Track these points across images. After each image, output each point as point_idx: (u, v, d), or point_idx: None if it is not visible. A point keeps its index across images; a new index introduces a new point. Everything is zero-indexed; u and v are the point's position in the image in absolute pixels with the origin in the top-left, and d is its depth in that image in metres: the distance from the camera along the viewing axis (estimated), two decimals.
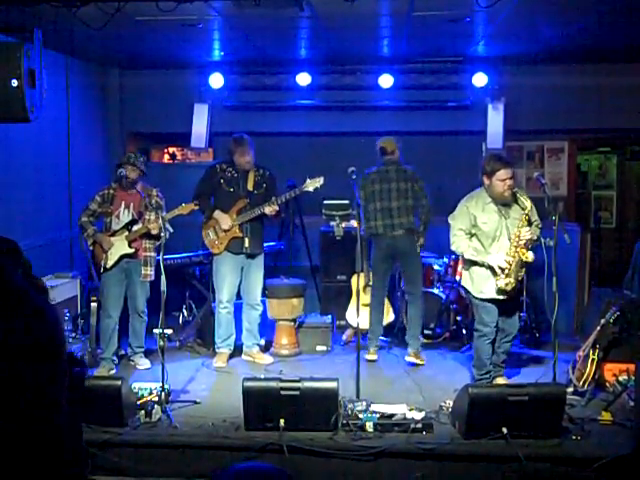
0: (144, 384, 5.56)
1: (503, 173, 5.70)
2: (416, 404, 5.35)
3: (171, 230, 6.19)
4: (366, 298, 6.94)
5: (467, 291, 6.05)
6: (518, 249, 5.65)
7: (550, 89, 8.48)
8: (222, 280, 6.72)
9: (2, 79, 5.02)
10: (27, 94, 5.07)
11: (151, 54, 8.11)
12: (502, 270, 5.64)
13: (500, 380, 5.97)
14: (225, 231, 6.65)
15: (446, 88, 8.63)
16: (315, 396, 5.00)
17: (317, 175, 6.58)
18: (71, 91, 8.00)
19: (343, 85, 8.72)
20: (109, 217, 6.51)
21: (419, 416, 5.08)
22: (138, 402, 5.29)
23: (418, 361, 6.69)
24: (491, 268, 5.72)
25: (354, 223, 6.93)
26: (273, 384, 5.05)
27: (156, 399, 5.32)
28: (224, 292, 6.71)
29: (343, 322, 7.65)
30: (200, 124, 8.69)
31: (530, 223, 5.73)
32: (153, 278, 6.51)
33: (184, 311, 7.92)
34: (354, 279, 7.14)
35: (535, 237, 5.73)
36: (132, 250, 6.43)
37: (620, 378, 5.68)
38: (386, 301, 7.20)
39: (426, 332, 7.40)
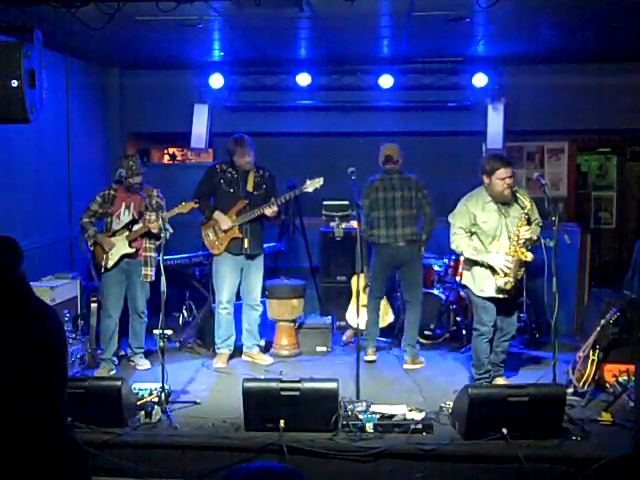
0: (144, 385, 5.56)
1: (503, 172, 5.70)
2: (416, 405, 5.35)
3: (171, 230, 6.19)
4: (366, 299, 6.93)
5: (467, 289, 6.05)
6: (517, 248, 5.65)
7: (550, 89, 8.47)
8: (222, 281, 6.72)
9: (2, 79, 5.01)
10: (27, 94, 5.06)
11: (151, 54, 8.11)
12: (503, 271, 5.65)
13: (500, 380, 5.97)
14: (225, 232, 6.64)
15: (446, 88, 8.62)
16: (315, 397, 5.00)
17: (317, 176, 6.58)
18: (71, 91, 8.00)
19: (343, 85, 8.71)
20: (109, 217, 6.51)
21: (419, 417, 5.08)
22: (138, 403, 5.29)
23: (416, 366, 6.69)
24: (491, 267, 5.72)
25: (354, 224, 6.94)
26: (273, 385, 5.05)
27: (156, 400, 5.33)
28: (224, 293, 6.70)
29: (343, 323, 7.65)
30: (200, 124, 8.69)
31: (530, 222, 5.73)
32: (154, 278, 6.50)
33: (184, 312, 7.92)
34: (354, 280, 7.14)
35: (535, 237, 5.73)
36: (133, 250, 6.43)
37: (620, 379, 5.68)
38: (385, 302, 7.21)
39: (426, 333, 7.41)
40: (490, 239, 5.80)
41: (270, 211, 6.57)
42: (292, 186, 7.06)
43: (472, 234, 5.85)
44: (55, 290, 6.61)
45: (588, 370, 5.64)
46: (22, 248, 2.88)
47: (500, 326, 5.92)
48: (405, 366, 6.70)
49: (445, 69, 8.52)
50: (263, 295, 7.03)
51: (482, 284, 5.83)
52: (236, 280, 6.76)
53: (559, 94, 8.49)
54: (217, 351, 6.81)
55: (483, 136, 8.44)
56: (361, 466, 4.71)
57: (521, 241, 5.63)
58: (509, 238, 5.72)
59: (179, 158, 10.29)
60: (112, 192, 6.56)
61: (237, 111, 9.01)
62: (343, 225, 7.45)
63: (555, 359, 5.50)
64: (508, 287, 5.69)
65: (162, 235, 5.73)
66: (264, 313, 7.01)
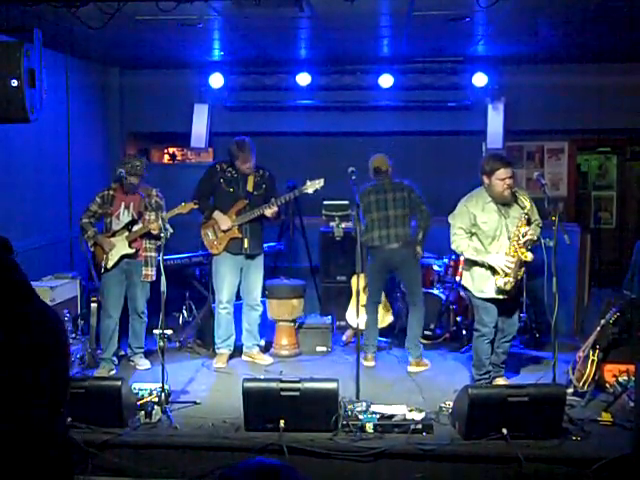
0: (144, 385, 5.56)
1: (502, 172, 5.70)
2: (416, 405, 5.35)
3: (171, 230, 6.18)
4: (365, 300, 6.92)
5: (467, 290, 6.05)
6: (518, 248, 5.65)
7: (550, 89, 8.47)
8: (221, 281, 6.71)
9: (2, 79, 5.00)
10: (27, 94, 5.06)
11: (151, 54, 8.11)
12: (504, 271, 5.65)
13: (500, 381, 5.96)
14: (224, 231, 6.64)
15: (446, 88, 8.62)
16: (315, 397, 5.00)
17: (317, 177, 6.58)
18: (71, 91, 8.00)
19: (343, 85, 8.71)
20: (109, 218, 6.51)
21: (419, 417, 5.08)
22: (138, 403, 5.29)
23: (421, 369, 6.64)
24: (491, 268, 5.72)
25: (353, 224, 6.93)
26: (273, 385, 5.05)
27: (156, 400, 5.33)
28: (224, 293, 6.70)
29: (343, 323, 7.64)
30: (200, 124, 8.69)
31: (530, 222, 5.73)
32: (154, 278, 6.50)
33: (184, 312, 7.91)
34: (354, 280, 7.13)
35: (535, 238, 5.72)
36: (133, 250, 6.43)
37: (620, 379, 5.67)
38: (384, 302, 7.20)
39: (426, 333, 7.39)
40: (490, 239, 5.79)
41: (270, 211, 6.57)
42: (292, 186, 7.06)
43: (472, 235, 5.85)
44: (55, 290, 6.61)
45: (588, 370, 5.64)
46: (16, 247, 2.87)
47: (501, 327, 5.91)
48: (409, 368, 6.64)
49: (445, 69, 8.52)
50: (263, 295, 7.03)
51: (482, 285, 5.83)
52: (236, 280, 6.76)
53: (559, 94, 8.49)
54: (217, 351, 6.81)
55: (483, 136, 8.45)
56: (361, 466, 4.71)
57: (521, 241, 5.63)
58: (509, 238, 5.72)
59: (179, 158, 10.29)
60: (111, 192, 6.55)
61: (237, 111, 9.01)
62: (343, 225, 7.44)
63: (555, 359, 5.50)
64: (508, 287, 5.69)
65: (162, 235, 5.73)
66: (264, 313, 7.01)
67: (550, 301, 5.51)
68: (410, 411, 5.16)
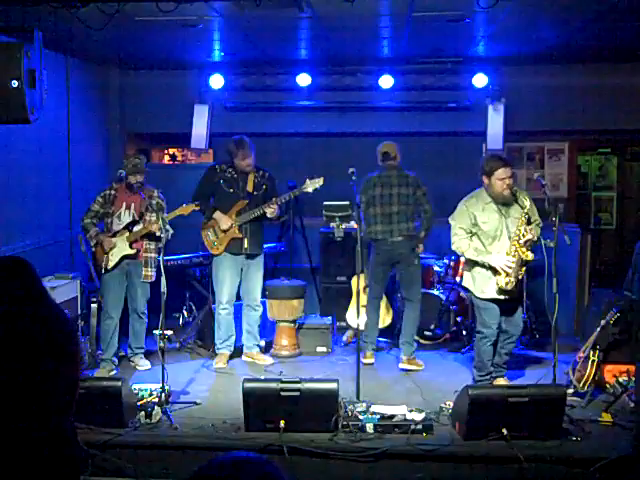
0: (144, 385, 5.57)
1: (502, 172, 5.71)
2: (416, 405, 5.35)
3: (171, 231, 6.18)
4: (366, 299, 6.92)
5: (469, 292, 6.05)
6: (518, 248, 5.65)
7: (550, 90, 8.47)
8: (222, 281, 6.71)
9: (2, 80, 5.01)
10: (27, 95, 5.06)
11: (151, 54, 8.11)
12: (505, 271, 5.65)
13: (501, 381, 5.96)
14: (224, 231, 6.64)
15: (446, 89, 8.62)
16: (315, 397, 5.00)
17: (317, 176, 6.58)
18: (71, 91, 7.99)
19: (343, 86, 8.71)
20: (110, 218, 6.51)
21: (419, 417, 5.07)
22: (138, 403, 5.29)
23: (412, 367, 6.63)
24: (492, 268, 5.72)
25: (354, 224, 6.93)
26: (273, 385, 5.05)
27: (156, 400, 5.33)
28: (224, 293, 6.70)
29: (343, 323, 7.64)
30: (200, 125, 8.69)
31: (530, 222, 5.73)
32: (154, 279, 6.50)
33: (184, 312, 7.92)
34: (354, 280, 7.14)
35: (535, 237, 5.72)
36: (133, 251, 6.43)
37: (620, 379, 5.68)
38: (385, 302, 7.20)
39: (426, 333, 7.41)
40: (490, 240, 5.80)
41: (270, 210, 6.57)
42: (293, 186, 7.07)
43: (472, 235, 5.85)
44: (55, 290, 6.58)
45: (588, 370, 5.64)
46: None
47: (505, 328, 5.90)
48: (401, 365, 6.66)
49: (445, 69, 8.52)
50: (263, 295, 7.03)
51: (483, 285, 5.83)
52: (236, 280, 6.76)
53: (559, 94, 8.49)
54: (217, 351, 6.81)
55: (483, 136, 8.45)
56: (361, 466, 4.71)
57: (522, 241, 5.63)
58: (509, 238, 5.72)
59: (179, 158, 10.29)
60: (113, 192, 6.56)
61: (237, 111, 9.01)
62: (343, 226, 7.45)
63: (555, 360, 5.50)
64: (510, 287, 5.69)
65: (162, 236, 5.73)
66: (264, 313, 7.01)
67: (550, 301, 5.51)
68: (410, 411, 5.16)
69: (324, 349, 7.21)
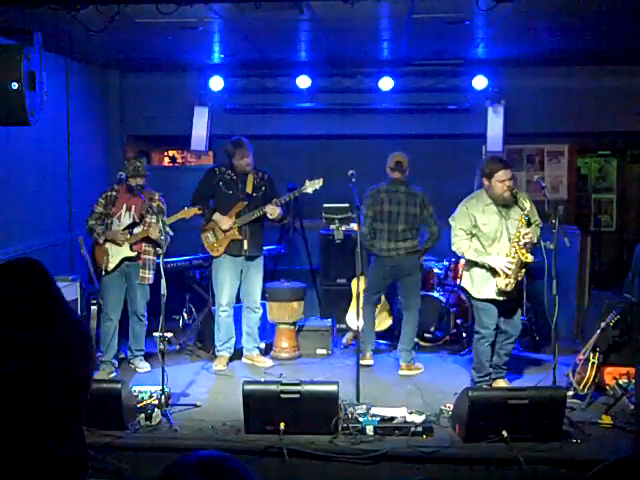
0: (144, 387, 5.57)
1: (502, 174, 5.71)
2: (416, 407, 5.35)
3: (171, 233, 6.18)
4: (363, 297, 6.91)
5: (467, 292, 6.05)
6: (518, 250, 5.65)
7: (550, 92, 8.47)
8: (221, 283, 6.71)
9: (2, 82, 5.01)
10: (27, 97, 5.07)
11: (151, 56, 8.11)
12: (504, 272, 5.65)
13: (500, 382, 5.96)
14: (224, 232, 6.64)
15: (446, 91, 8.63)
16: (315, 399, 5.00)
17: (316, 177, 6.58)
18: (71, 94, 8.00)
19: (343, 88, 8.71)
20: (110, 219, 6.51)
21: (419, 419, 5.07)
22: (138, 405, 5.29)
23: (412, 372, 6.62)
24: (492, 269, 5.72)
25: (354, 226, 6.92)
26: (273, 387, 5.05)
27: (156, 402, 5.32)
28: (223, 295, 6.70)
29: (343, 325, 7.64)
30: (200, 127, 8.69)
31: (529, 223, 5.73)
32: (152, 282, 6.50)
33: (184, 314, 7.92)
34: (354, 282, 7.13)
35: (535, 240, 5.73)
36: (134, 253, 6.43)
37: (620, 381, 5.67)
38: (385, 306, 7.20)
39: (426, 335, 7.40)
40: (490, 241, 5.80)
41: (270, 210, 6.56)
42: (292, 188, 7.06)
43: (472, 236, 5.85)
44: None
45: (588, 373, 5.64)
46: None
47: (504, 329, 5.91)
48: (400, 372, 6.64)
49: (445, 72, 8.53)
50: (263, 297, 7.02)
51: (481, 286, 5.83)
52: (236, 282, 6.76)
53: (559, 96, 8.49)
54: (217, 354, 6.81)
55: (483, 138, 8.45)
56: (361, 469, 4.70)
57: (522, 242, 5.64)
58: (509, 240, 5.72)
59: (179, 160, 10.29)
60: (114, 193, 6.56)
61: (237, 113, 9.01)
62: (343, 228, 7.44)
63: (555, 362, 5.50)
64: (509, 289, 5.69)
65: (162, 238, 5.74)
66: (264, 316, 7.00)
67: (550, 304, 5.51)
68: (410, 414, 5.16)
69: (324, 351, 7.20)
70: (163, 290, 5.48)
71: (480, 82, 8.39)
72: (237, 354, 6.93)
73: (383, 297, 7.21)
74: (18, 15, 5.37)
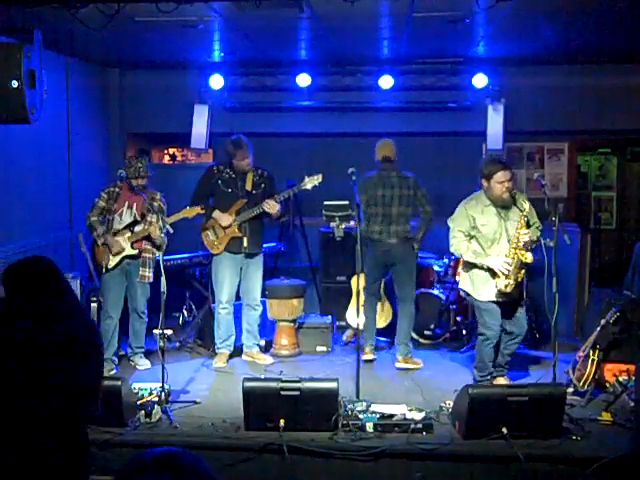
0: (144, 384, 5.57)
1: (501, 175, 5.71)
2: (416, 404, 5.36)
3: (171, 231, 6.18)
4: (364, 291, 6.92)
5: (468, 294, 6.04)
6: (517, 250, 5.65)
7: (550, 90, 8.47)
8: (221, 281, 6.72)
9: (2, 80, 5.01)
10: (27, 95, 5.07)
11: (151, 55, 8.11)
12: (503, 273, 5.65)
13: (501, 380, 5.97)
14: (224, 229, 6.65)
15: (446, 89, 8.62)
16: (315, 396, 5.01)
17: (315, 173, 6.59)
18: (71, 92, 8.00)
19: (343, 86, 8.71)
20: (111, 215, 6.50)
21: (419, 416, 5.08)
22: (138, 402, 5.30)
23: (409, 365, 6.64)
24: (491, 270, 5.72)
25: (354, 224, 6.93)
26: (273, 384, 5.06)
27: (156, 399, 5.34)
28: (223, 293, 6.71)
29: (343, 323, 7.65)
30: (200, 125, 8.69)
31: (529, 225, 5.74)
32: (152, 280, 6.51)
33: (184, 312, 7.92)
34: (354, 280, 7.14)
35: (535, 238, 5.73)
36: (135, 251, 6.44)
37: (620, 378, 5.67)
38: (385, 302, 7.21)
39: (426, 333, 7.41)
40: (489, 242, 5.80)
41: (270, 206, 6.56)
42: (292, 185, 7.07)
43: (471, 237, 5.86)
44: None
45: (588, 370, 5.64)
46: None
47: (509, 329, 5.89)
48: (397, 364, 6.66)
49: (445, 70, 8.52)
50: (263, 295, 7.03)
51: (481, 288, 5.83)
52: (235, 280, 6.76)
53: (559, 95, 8.49)
54: (217, 351, 6.82)
55: (483, 137, 8.45)
56: (361, 466, 4.71)
57: (521, 243, 5.64)
58: (509, 241, 5.72)
59: (179, 159, 10.29)
60: (117, 189, 6.55)
61: (237, 112, 9.01)
62: (343, 225, 7.44)
63: (555, 359, 5.51)
64: (509, 290, 5.69)
65: (162, 236, 5.74)
66: (264, 313, 7.01)
67: (550, 301, 5.51)
68: (410, 411, 5.16)
69: (324, 348, 7.21)
70: (163, 287, 5.49)
71: (480, 80, 8.38)
72: (237, 351, 6.94)
73: (383, 293, 7.21)
74: (18, 14, 5.37)
